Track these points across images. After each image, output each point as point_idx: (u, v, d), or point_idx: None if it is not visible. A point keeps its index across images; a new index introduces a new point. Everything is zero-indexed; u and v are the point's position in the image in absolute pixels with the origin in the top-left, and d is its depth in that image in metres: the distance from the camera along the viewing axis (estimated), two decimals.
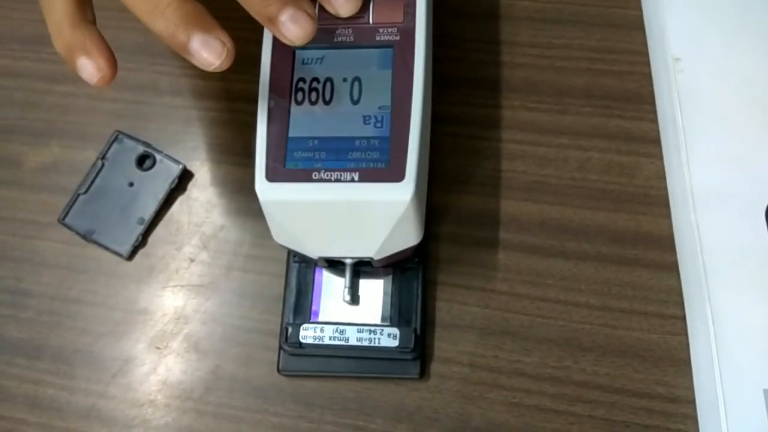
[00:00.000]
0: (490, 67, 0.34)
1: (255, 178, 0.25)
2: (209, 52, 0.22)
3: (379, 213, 0.25)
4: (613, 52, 0.34)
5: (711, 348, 0.27)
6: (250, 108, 0.26)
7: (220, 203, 0.33)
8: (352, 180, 0.25)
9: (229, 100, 0.34)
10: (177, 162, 0.33)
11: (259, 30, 0.27)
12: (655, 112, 0.33)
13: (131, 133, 0.34)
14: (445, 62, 0.34)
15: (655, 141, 0.32)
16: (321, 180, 0.25)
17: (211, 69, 0.22)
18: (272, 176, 0.25)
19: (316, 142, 0.26)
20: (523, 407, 0.28)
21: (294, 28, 0.23)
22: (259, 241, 0.32)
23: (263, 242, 0.32)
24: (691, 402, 0.28)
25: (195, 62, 0.22)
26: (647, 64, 0.33)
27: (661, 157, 0.32)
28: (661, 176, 0.31)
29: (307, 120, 0.26)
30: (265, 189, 0.25)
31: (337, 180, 0.25)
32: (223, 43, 0.22)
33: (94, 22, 0.25)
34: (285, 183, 0.25)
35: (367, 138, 0.26)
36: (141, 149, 0.33)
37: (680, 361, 0.28)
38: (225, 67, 0.22)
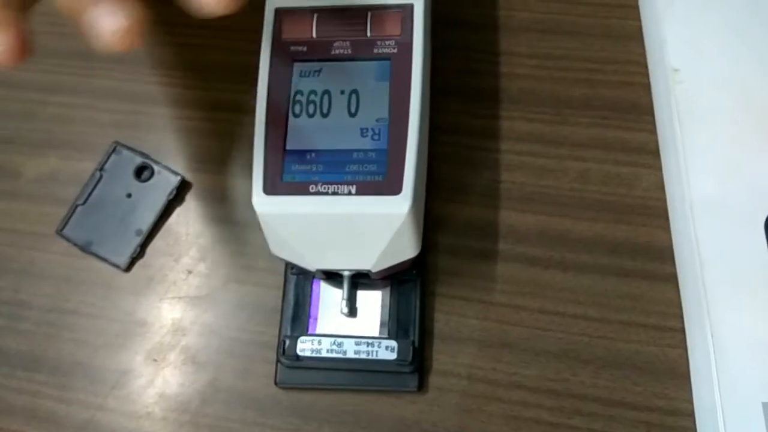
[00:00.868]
0: (489, 78, 0.34)
1: (252, 192, 0.25)
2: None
3: (377, 226, 0.25)
4: (613, 63, 0.34)
5: (710, 360, 0.27)
6: (249, 119, 0.26)
7: (218, 215, 0.33)
8: (350, 193, 0.25)
9: (228, 110, 0.34)
10: (175, 173, 0.33)
11: (256, 41, 0.27)
12: (654, 123, 0.32)
13: (129, 144, 0.34)
14: (444, 73, 0.34)
15: (654, 152, 0.32)
16: (318, 193, 0.25)
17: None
18: (269, 189, 0.25)
19: (313, 155, 0.26)
20: (521, 420, 0.28)
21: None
22: (257, 252, 0.32)
23: (261, 254, 0.31)
24: (690, 415, 0.28)
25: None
26: (646, 74, 0.33)
27: (660, 168, 0.32)
28: (660, 187, 0.31)
29: (305, 133, 0.26)
30: (262, 202, 0.25)
31: (335, 193, 0.25)
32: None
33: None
34: (282, 196, 0.25)
35: (365, 151, 0.26)
36: (139, 160, 0.33)
37: (679, 374, 0.28)
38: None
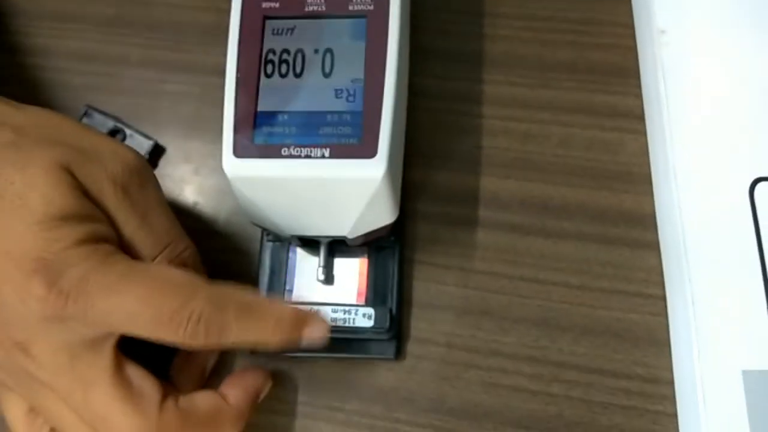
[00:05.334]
0: (471, 40, 0.33)
1: (222, 154, 0.24)
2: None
3: (351, 190, 0.25)
4: (599, 25, 0.33)
5: (690, 328, 0.27)
6: (222, 82, 0.25)
7: (192, 180, 0.32)
8: (323, 156, 0.24)
9: (202, 73, 0.33)
10: (148, 137, 0.32)
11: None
12: (640, 87, 0.32)
13: (101, 107, 0.33)
14: (425, 34, 0.33)
15: (640, 117, 0.31)
16: (291, 156, 0.24)
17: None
18: (240, 152, 0.25)
19: (285, 116, 0.25)
20: (500, 387, 0.28)
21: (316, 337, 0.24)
22: (233, 219, 0.31)
23: (237, 220, 0.31)
24: (670, 383, 0.27)
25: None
26: (633, 37, 0.32)
27: (645, 134, 0.31)
28: (645, 153, 0.31)
29: (277, 93, 0.25)
30: (232, 165, 0.25)
31: (308, 156, 0.24)
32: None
33: None
34: (253, 159, 0.24)
35: (339, 113, 0.25)
36: (111, 124, 0.32)
37: (660, 342, 0.28)
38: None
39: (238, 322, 0.23)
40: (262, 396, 0.27)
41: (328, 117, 0.25)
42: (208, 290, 0.23)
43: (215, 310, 0.22)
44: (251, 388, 0.27)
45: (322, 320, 0.25)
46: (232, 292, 0.24)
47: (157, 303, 0.22)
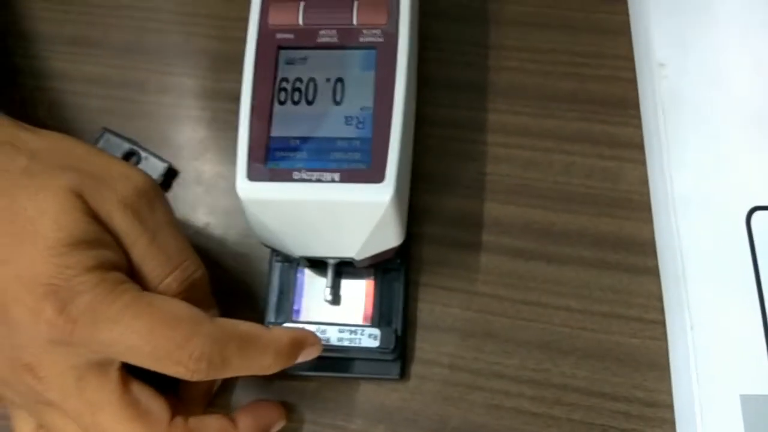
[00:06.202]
0: (476, 71, 0.34)
1: (236, 177, 0.25)
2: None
3: (360, 214, 0.25)
4: (601, 58, 0.34)
5: (689, 353, 0.27)
6: (235, 107, 0.26)
7: (204, 202, 0.33)
8: (333, 180, 0.25)
9: (215, 99, 0.34)
10: (162, 160, 0.33)
11: (246, 29, 0.27)
12: (639, 118, 0.33)
13: (118, 130, 0.34)
14: (432, 64, 0.34)
15: (640, 147, 0.32)
16: (302, 180, 0.25)
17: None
18: (253, 175, 0.25)
19: (297, 141, 0.26)
20: (503, 409, 0.28)
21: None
22: (243, 239, 0.32)
23: (247, 241, 0.32)
24: (669, 406, 0.28)
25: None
26: (633, 69, 0.34)
27: (644, 163, 0.32)
28: (645, 182, 0.32)
29: (290, 120, 0.26)
30: (245, 188, 0.25)
31: (318, 180, 0.25)
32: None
33: None
34: (266, 182, 0.25)
35: (349, 139, 0.26)
36: (127, 147, 0.33)
37: (659, 366, 0.29)
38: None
39: (239, 356, 0.23)
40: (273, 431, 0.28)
41: (339, 143, 0.26)
42: (209, 326, 0.23)
43: (216, 346, 0.23)
44: (263, 420, 0.27)
45: (317, 341, 0.26)
46: (233, 326, 0.24)
47: (158, 339, 0.22)
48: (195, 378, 0.23)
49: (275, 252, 0.30)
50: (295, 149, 0.26)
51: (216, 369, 0.23)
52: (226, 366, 0.23)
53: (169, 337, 0.22)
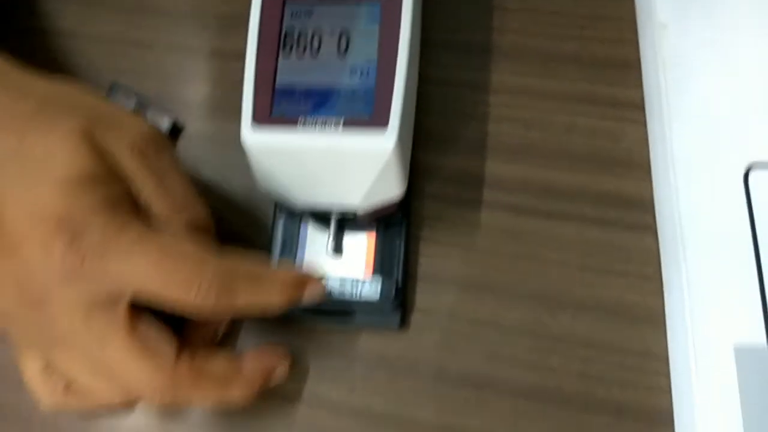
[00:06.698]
0: (480, 31, 0.34)
1: (241, 124, 0.26)
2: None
3: (363, 161, 0.26)
4: (603, 20, 0.34)
5: (684, 307, 0.28)
6: (242, 66, 0.27)
7: (209, 157, 0.33)
8: (337, 128, 0.26)
9: (222, 58, 0.35)
10: (168, 115, 0.33)
11: None
12: (641, 79, 0.33)
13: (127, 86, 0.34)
14: (435, 26, 0.34)
15: (641, 107, 0.32)
16: (306, 127, 0.26)
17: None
18: (258, 122, 0.26)
19: (302, 91, 0.26)
20: (501, 359, 0.29)
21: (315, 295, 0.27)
22: (248, 194, 0.32)
23: (252, 195, 0.32)
24: (665, 359, 0.28)
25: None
26: (635, 31, 0.34)
27: (645, 123, 0.32)
28: (645, 141, 0.32)
29: (294, 70, 0.27)
30: (250, 134, 0.26)
31: (322, 127, 0.26)
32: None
33: None
34: (270, 129, 0.26)
35: (353, 88, 0.26)
36: (134, 101, 0.34)
37: (656, 320, 0.29)
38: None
39: (246, 289, 0.24)
40: (277, 377, 0.28)
41: (342, 92, 0.26)
42: (217, 260, 0.24)
43: (225, 277, 0.24)
44: (268, 362, 0.28)
45: (321, 280, 0.27)
46: (240, 262, 0.25)
47: (169, 268, 0.23)
48: (203, 309, 0.23)
49: (279, 206, 0.31)
50: (300, 98, 0.26)
51: (224, 299, 0.23)
52: (234, 297, 0.24)
53: (178, 269, 0.23)
